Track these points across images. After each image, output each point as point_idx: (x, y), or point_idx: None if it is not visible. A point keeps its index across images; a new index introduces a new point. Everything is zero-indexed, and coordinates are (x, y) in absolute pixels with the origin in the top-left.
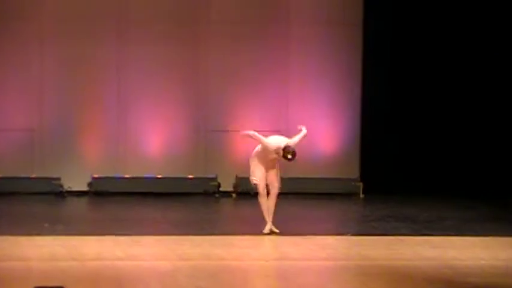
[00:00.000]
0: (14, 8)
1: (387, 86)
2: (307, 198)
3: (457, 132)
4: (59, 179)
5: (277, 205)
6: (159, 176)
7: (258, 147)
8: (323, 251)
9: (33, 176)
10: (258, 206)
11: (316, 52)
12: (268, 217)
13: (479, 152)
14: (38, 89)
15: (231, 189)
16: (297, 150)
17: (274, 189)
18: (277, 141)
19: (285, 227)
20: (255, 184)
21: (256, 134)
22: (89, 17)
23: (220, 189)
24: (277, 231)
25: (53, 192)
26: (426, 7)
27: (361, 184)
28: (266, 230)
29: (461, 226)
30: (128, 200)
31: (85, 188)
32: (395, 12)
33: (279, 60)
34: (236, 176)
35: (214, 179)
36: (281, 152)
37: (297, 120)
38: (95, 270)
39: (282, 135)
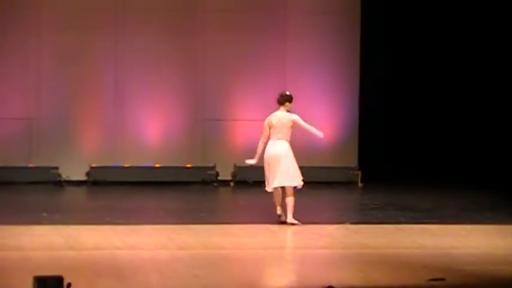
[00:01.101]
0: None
1: (385, 75)
2: (306, 187)
3: (456, 121)
4: (57, 168)
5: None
6: (157, 165)
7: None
8: (322, 239)
9: (31, 165)
10: (257, 195)
11: (314, 41)
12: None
13: (479, 140)
14: (36, 78)
15: (229, 178)
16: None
17: None
18: None
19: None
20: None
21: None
22: (87, 7)
23: (219, 178)
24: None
25: (51, 182)
26: None
27: (359, 173)
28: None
29: (460, 214)
30: (126, 190)
31: (83, 178)
32: (393, 0)
33: (277, 49)
34: (234, 165)
35: (212, 168)
36: None
37: (295, 109)
38: (93, 260)
39: None
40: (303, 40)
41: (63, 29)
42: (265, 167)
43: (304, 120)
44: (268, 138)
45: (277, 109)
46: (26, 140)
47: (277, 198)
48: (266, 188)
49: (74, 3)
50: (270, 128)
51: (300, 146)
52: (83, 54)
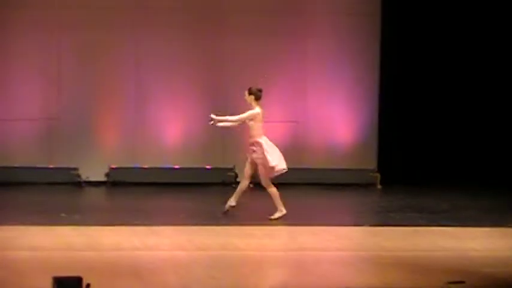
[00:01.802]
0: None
1: (405, 77)
2: (324, 188)
3: (476, 122)
4: (76, 169)
5: (294, 196)
6: (177, 167)
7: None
8: (340, 241)
9: (51, 166)
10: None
11: (334, 43)
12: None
13: (499, 141)
14: (57, 79)
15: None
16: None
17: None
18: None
19: (301, 217)
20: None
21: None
22: (108, 7)
23: (238, 179)
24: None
25: (70, 182)
26: None
27: (378, 175)
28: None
29: (479, 216)
30: (146, 190)
31: (103, 178)
32: (414, 2)
33: (297, 51)
34: None
35: (231, 169)
36: None
37: (314, 111)
38: (112, 260)
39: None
40: (323, 42)
41: (83, 29)
42: (270, 149)
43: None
44: (259, 131)
45: (255, 105)
46: (46, 141)
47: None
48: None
49: (95, 3)
50: (254, 121)
51: (319, 148)
52: (103, 54)
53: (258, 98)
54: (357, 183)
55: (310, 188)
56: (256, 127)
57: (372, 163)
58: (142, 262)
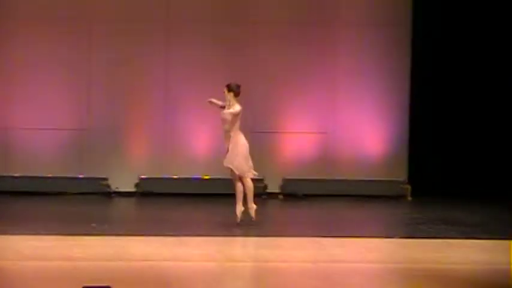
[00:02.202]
0: (63, 8)
1: (436, 87)
2: (355, 200)
3: (508, 134)
4: (106, 179)
5: (323, 207)
6: (206, 177)
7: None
8: (370, 253)
9: (81, 176)
10: (306, 208)
11: (364, 53)
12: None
13: None
14: (87, 89)
15: (277, 190)
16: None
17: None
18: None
19: (331, 229)
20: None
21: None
22: (137, 19)
23: (267, 190)
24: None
25: (100, 193)
26: (475, 7)
27: (408, 186)
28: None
29: (510, 229)
30: (175, 201)
31: (132, 189)
32: (444, 13)
33: (327, 61)
34: (283, 178)
35: (261, 181)
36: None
37: (344, 122)
38: (141, 271)
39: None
40: (353, 52)
41: (113, 40)
42: (246, 154)
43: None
44: (234, 126)
45: (234, 101)
46: (76, 151)
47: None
48: (250, 175)
49: (124, 14)
50: (237, 118)
51: (348, 159)
52: (133, 65)
53: (237, 95)
54: (387, 195)
55: (340, 199)
56: (238, 124)
57: (402, 174)
58: (171, 273)
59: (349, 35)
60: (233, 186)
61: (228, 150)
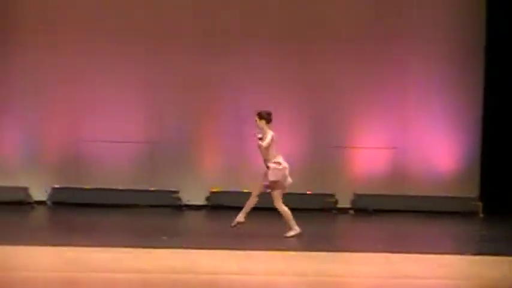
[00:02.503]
0: (135, 24)
1: (509, 104)
2: (425, 216)
3: None
4: (177, 192)
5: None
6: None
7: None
8: (441, 269)
9: (152, 188)
10: (377, 223)
11: (435, 67)
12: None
13: None
14: (158, 102)
15: (348, 205)
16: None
17: None
18: None
19: (401, 245)
20: None
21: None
22: (212, 34)
23: (338, 205)
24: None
25: (171, 206)
26: None
27: (480, 203)
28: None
29: None
30: None
31: (203, 202)
32: None
33: (396, 76)
34: (354, 193)
35: (331, 196)
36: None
37: (414, 137)
38: (210, 284)
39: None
40: (423, 67)
41: (186, 54)
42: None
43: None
44: (271, 151)
45: (267, 129)
46: (147, 164)
47: None
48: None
49: (199, 30)
50: (272, 143)
51: (419, 175)
52: (205, 78)
53: (268, 122)
54: (458, 212)
55: (410, 215)
56: (274, 149)
57: (474, 191)
58: (240, 286)
59: (420, 49)
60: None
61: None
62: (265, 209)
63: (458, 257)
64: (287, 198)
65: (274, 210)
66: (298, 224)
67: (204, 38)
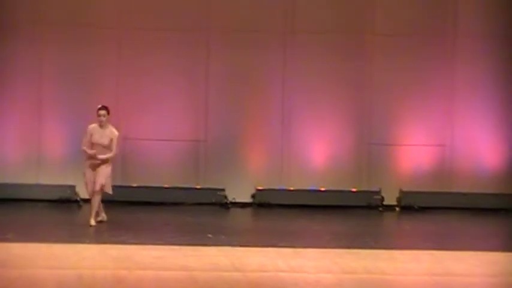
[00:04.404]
0: (182, 18)
1: None
2: (472, 213)
3: None
4: (223, 190)
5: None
6: (322, 189)
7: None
8: (488, 267)
9: (198, 186)
10: (423, 220)
11: (482, 64)
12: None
13: None
14: (204, 100)
15: (394, 203)
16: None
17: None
18: None
19: (448, 242)
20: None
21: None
22: (256, 29)
23: (384, 203)
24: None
25: (217, 203)
26: None
27: None
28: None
29: None
30: (291, 212)
31: (249, 200)
32: None
33: (444, 73)
34: (400, 190)
35: (377, 193)
36: None
37: (462, 134)
38: (257, 281)
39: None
40: (471, 63)
41: (231, 51)
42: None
43: None
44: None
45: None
46: (193, 162)
47: None
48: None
49: (243, 26)
50: None
51: (467, 172)
52: (250, 75)
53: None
54: (505, 208)
55: (457, 212)
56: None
57: None
58: (286, 284)
59: (467, 45)
60: None
61: None
62: (312, 207)
63: (506, 254)
64: (333, 195)
65: (322, 207)
66: (342, 222)
67: (247, 32)
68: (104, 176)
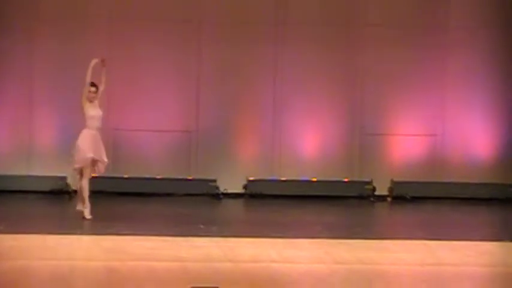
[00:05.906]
0: (173, 9)
1: None
2: (463, 203)
3: None
4: (215, 181)
5: (433, 211)
6: (314, 179)
7: None
8: (480, 257)
9: (189, 177)
10: (415, 211)
11: (474, 55)
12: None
13: None
14: (196, 91)
15: (386, 193)
16: None
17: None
18: None
19: (440, 232)
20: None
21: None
22: (247, 21)
23: (376, 193)
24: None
25: (209, 194)
26: None
27: None
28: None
29: None
30: (283, 203)
31: (241, 190)
32: None
33: (436, 63)
34: (391, 180)
35: (369, 183)
36: None
37: (453, 124)
38: (250, 272)
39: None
40: (463, 54)
41: (223, 43)
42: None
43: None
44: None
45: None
46: (185, 153)
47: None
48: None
49: (234, 17)
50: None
51: (458, 161)
52: (242, 67)
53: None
54: (496, 198)
55: (448, 202)
56: None
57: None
58: (279, 274)
59: (460, 36)
60: None
61: None
62: (304, 197)
63: (497, 243)
64: (325, 185)
65: (313, 198)
66: (334, 212)
67: (238, 24)
68: (105, 155)
